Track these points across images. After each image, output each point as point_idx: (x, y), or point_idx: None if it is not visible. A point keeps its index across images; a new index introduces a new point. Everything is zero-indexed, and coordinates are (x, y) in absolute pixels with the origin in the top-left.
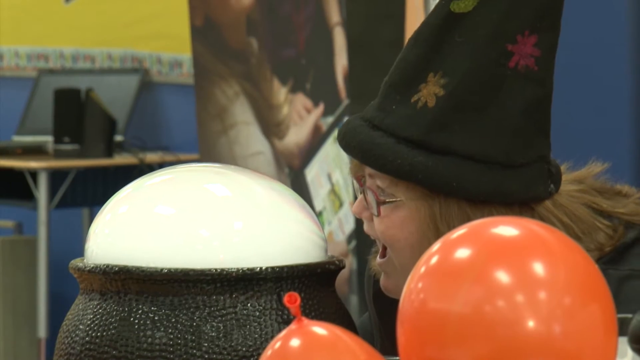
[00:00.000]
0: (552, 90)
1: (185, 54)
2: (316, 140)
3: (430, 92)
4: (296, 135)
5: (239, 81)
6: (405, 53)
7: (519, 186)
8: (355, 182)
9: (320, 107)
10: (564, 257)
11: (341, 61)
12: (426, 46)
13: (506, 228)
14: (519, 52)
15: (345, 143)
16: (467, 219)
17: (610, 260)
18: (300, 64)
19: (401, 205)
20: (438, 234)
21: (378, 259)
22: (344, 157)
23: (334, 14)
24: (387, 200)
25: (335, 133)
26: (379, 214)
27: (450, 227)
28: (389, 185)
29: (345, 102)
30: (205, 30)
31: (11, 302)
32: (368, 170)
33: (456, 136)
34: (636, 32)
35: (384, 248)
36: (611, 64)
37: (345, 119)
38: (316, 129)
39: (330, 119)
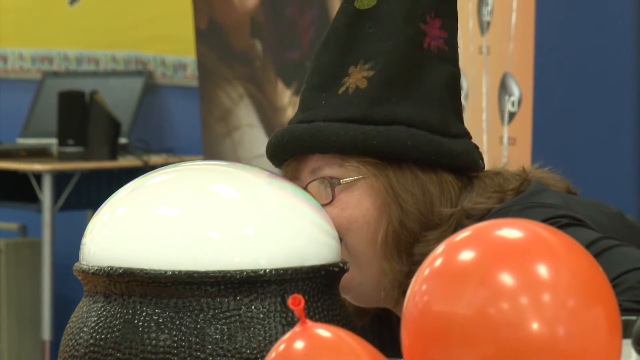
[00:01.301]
0: (460, 72)
1: (189, 56)
2: None
3: (357, 77)
4: None
5: (243, 83)
6: (319, 58)
7: (461, 150)
8: None
9: None
10: (568, 259)
11: None
12: (339, 46)
13: (510, 230)
14: (430, 34)
15: (286, 141)
16: (421, 183)
17: (519, 200)
18: (305, 66)
19: (355, 184)
20: (398, 200)
21: None
22: None
23: None
24: (341, 182)
25: None
26: (333, 198)
27: (409, 192)
28: (338, 168)
29: None
30: (210, 32)
31: (15, 305)
32: (310, 166)
33: (396, 107)
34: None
35: None
36: (614, 66)
37: None
38: None
39: None
